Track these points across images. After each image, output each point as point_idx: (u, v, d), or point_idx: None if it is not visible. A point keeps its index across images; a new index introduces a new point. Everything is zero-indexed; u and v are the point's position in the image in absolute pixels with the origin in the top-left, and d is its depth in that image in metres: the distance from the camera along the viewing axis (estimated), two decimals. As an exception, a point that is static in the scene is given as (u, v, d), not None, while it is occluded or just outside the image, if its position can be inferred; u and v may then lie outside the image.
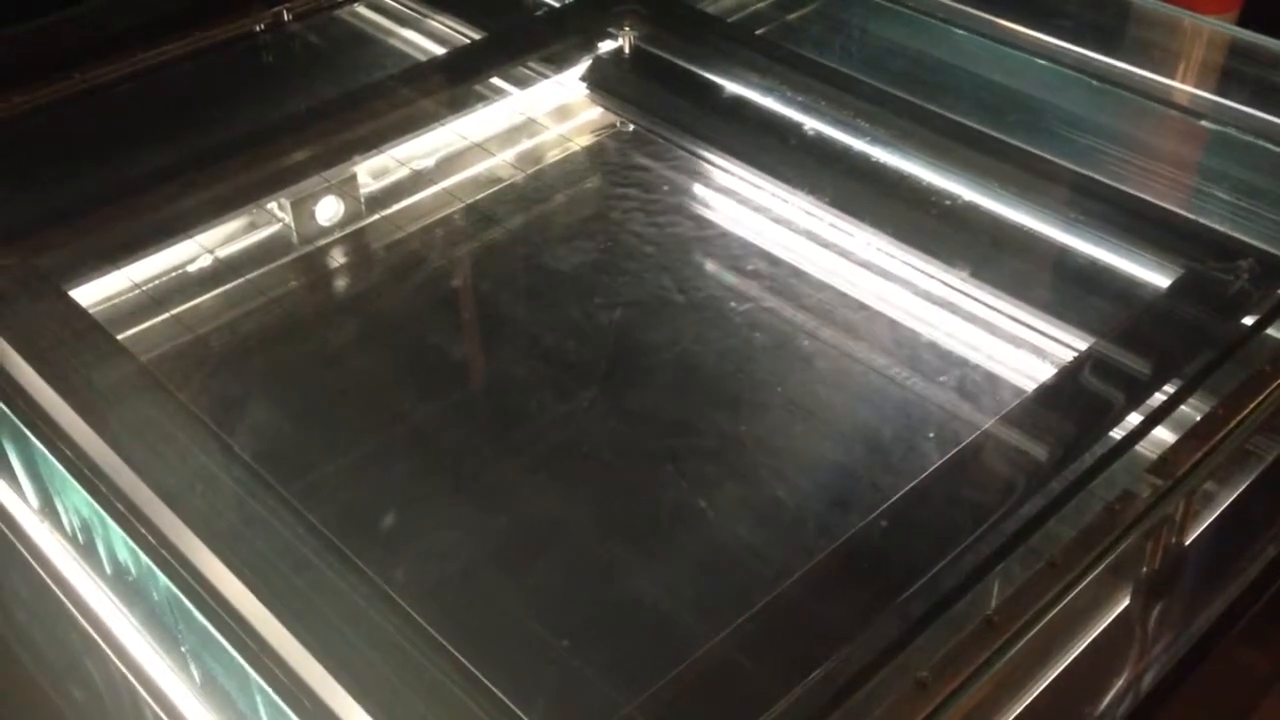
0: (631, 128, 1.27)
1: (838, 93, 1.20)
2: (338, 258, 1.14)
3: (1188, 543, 0.86)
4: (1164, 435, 0.88)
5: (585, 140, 1.27)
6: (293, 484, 0.83)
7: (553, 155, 1.26)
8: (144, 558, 0.73)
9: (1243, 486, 0.92)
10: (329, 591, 0.73)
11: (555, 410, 1.00)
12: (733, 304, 1.09)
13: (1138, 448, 0.86)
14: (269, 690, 0.68)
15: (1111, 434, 0.86)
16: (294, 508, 0.78)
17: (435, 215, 1.19)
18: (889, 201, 1.12)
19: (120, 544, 0.76)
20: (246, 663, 0.69)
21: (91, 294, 1.03)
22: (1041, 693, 0.77)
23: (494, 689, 0.69)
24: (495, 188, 1.22)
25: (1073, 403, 0.89)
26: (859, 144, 1.17)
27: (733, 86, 1.26)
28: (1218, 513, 0.91)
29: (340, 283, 1.13)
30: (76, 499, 0.80)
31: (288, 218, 1.14)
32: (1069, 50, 1.16)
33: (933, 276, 1.07)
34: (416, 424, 0.99)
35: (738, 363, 1.03)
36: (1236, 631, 0.89)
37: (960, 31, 1.31)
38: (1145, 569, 0.79)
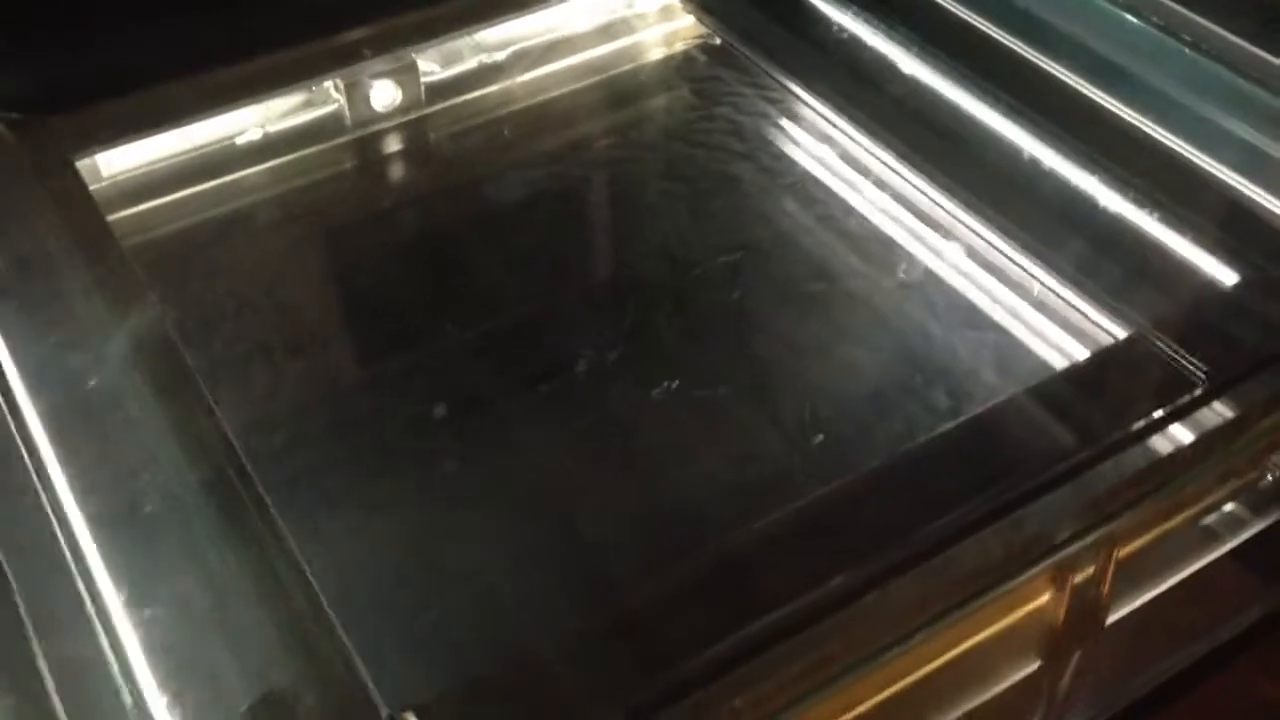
0: (719, 40, 1.20)
1: (947, 41, 1.09)
2: (383, 149, 1.11)
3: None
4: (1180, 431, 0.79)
5: (670, 49, 1.21)
6: (234, 416, 0.78)
7: (632, 61, 1.20)
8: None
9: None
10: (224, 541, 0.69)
11: (585, 346, 0.95)
12: (785, 247, 1.03)
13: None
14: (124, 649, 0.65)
15: (1115, 435, 0.78)
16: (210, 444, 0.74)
17: (497, 113, 1.15)
18: (971, 162, 1.02)
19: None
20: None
21: (110, 164, 1.02)
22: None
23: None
24: (564, 89, 1.17)
25: (1091, 395, 0.83)
26: (956, 97, 1.05)
27: (837, 15, 1.15)
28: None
29: (381, 179, 1.10)
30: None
31: (342, 100, 1.11)
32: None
33: (992, 244, 0.98)
34: (419, 359, 0.94)
35: (772, 308, 0.98)
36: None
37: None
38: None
